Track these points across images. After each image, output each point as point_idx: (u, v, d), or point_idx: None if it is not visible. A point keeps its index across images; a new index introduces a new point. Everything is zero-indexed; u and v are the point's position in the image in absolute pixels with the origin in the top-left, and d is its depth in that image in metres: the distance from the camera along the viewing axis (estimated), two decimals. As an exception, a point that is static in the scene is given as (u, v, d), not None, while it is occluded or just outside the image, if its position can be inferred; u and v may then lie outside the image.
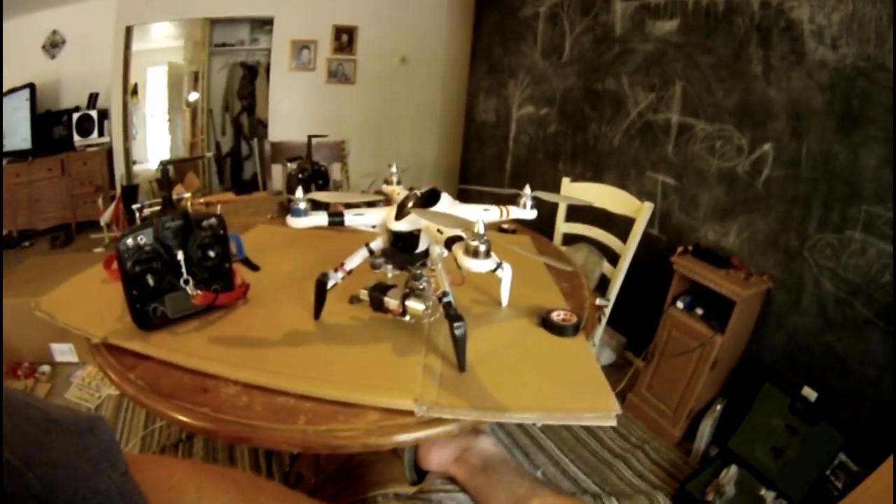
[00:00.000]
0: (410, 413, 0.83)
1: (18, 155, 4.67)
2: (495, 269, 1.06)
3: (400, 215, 0.97)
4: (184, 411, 0.84)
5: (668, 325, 2.48)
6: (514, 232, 1.81)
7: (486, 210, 0.99)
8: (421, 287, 0.99)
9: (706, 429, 2.36)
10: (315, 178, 1.88)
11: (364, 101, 4.89)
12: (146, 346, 0.97)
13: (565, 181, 2.39)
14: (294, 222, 0.98)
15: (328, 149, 3.10)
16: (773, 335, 2.35)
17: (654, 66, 2.81)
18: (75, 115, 4.93)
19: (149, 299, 0.99)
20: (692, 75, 2.60)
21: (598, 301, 2.05)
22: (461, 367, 0.92)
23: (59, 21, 4.82)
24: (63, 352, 2.84)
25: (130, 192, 4.80)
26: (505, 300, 1.16)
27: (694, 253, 2.48)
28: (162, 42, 6.11)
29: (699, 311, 2.37)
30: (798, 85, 2.15)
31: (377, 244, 1.04)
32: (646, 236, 2.14)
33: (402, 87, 4.94)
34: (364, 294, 1.03)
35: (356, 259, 1.08)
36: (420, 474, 1.00)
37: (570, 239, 2.38)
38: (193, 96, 6.28)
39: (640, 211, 2.08)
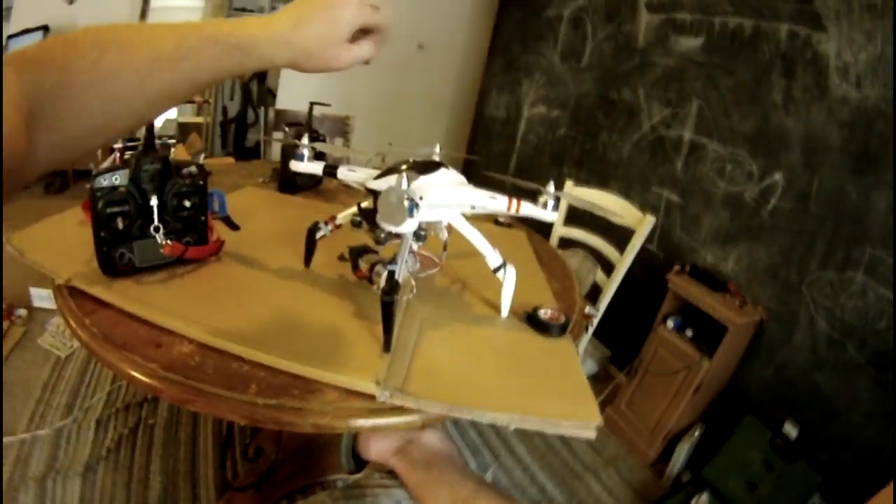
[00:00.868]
0: (371, 397, 0.76)
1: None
2: (497, 270, 1.02)
3: (381, 175, 0.92)
4: (132, 364, 0.77)
5: (656, 343, 2.43)
6: (510, 226, 1.75)
7: (492, 198, 0.93)
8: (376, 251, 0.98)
9: (682, 453, 2.31)
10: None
11: (376, 83, 4.82)
12: (107, 293, 0.91)
13: (569, 184, 2.34)
14: (295, 165, 1.06)
15: (332, 122, 3.05)
16: (760, 367, 2.30)
17: (673, 82, 2.76)
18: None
19: (117, 244, 0.93)
20: (710, 95, 2.55)
21: (588, 310, 1.99)
22: (386, 345, 0.85)
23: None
24: (42, 297, 2.80)
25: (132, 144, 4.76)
26: (505, 309, 1.06)
27: (691, 273, 2.43)
28: (182, 1, 6.07)
29: (689, 333, 2.33)
30: (817, 119, 2.11)
31: (368, 204, 0.99)
32: (642, 251, 2.09)
33: (416, 73, 4.87)
34: (347, 252, 1.02)
35: (346, 214, 1.07)
36: (360, 463, 0.96)
37: (566, 243, 2.32)
38: (206, 57, 6.23)
39: (641, 223, 2.03)
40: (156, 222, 0.95)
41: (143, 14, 4.96)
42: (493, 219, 1.75)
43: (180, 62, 0.57)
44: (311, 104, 1.88)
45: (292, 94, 4.78)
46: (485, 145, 4.57)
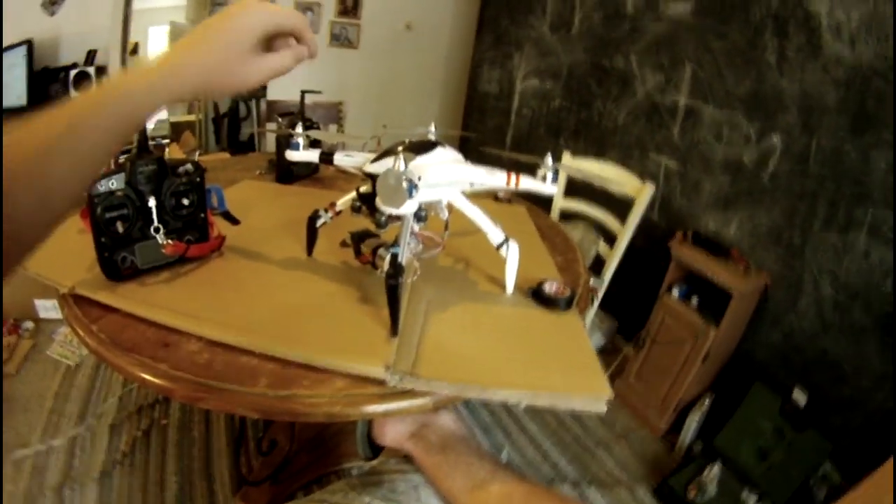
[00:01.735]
0: (382, 382, 0.76)
1: (14, 112, 4.58)
2: (500, 247, 1.01)
3: (377, 158, 0.91)
4: (142, 367, 0.77)
5: (662, 313, 2.42)
6: (509, 202, 1.74)
7: (490, 173, 0.92)
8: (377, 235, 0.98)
9: (692, 423, 2.31)
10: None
11: (366, 66, 4.80)
12: (112, 298, 0.90)
13: (566, 155, 2.32)
14: (291, 154, 1.08)
15: (325, 109, 3.03)
16: (767, 333, 2.29)
17: (665, 47, 2.73)
18: (72, 72, 4.86)
19: (118, 248, 0.93)
20: (703, 59, 2.52)
21: (592, 282, 1.98)
22: (393, 329, 0.84)
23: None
24: (47, 308, 2.79)
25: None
26: (510, 286, 1.05)
27: (693, 240, 2.42)
28: (164, 1, 6.03)
29: (694, 301, 2.32)
30: (812, 79, 2.08)
31: (366, 188, 0.98)
32: (644, 220, 2.07)
33: (406, 54, 4.84)
34: (349, 238, 1.01)
35: (346, 200, 1.06)
36: (375, 450, 0.95)
37: (567, 215, 2.31)
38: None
39: (641, 192, 2.01)
40: (155, 223, 0.95)
41: (126, 19, 4.92)
42: (493, 195, 1.74)
43: (77, 144, 0.57)
44: (303, 92, 1.87)
45: (283, 84, 4.74)
46: (480, 121, 4.54)
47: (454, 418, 0.92)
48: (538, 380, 0.80)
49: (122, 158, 1.58)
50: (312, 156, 1.04)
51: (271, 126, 3.01)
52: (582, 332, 0.96)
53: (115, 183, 0.89)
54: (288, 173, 1.75)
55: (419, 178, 0.82)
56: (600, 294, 2.10)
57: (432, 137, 1.05)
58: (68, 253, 1.03)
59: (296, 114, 1.86)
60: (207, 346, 0.81)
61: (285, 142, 1.19)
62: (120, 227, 0.91)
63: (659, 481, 2.15)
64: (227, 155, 4.60)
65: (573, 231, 2.12)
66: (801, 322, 2.16)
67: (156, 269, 1.00)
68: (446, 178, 0.91)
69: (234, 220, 1.18)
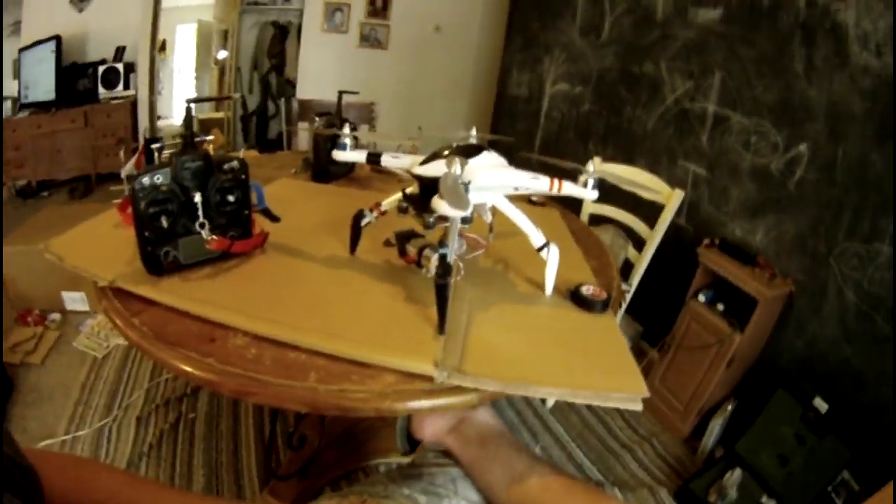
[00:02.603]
0: (429, 378, 0.78)
1: (42, 106, 4.67)
2: (541, 249, 1.04)
3: (426, 161, 0.93)
4: (188, 360, 0.80)
5: (688, 318, 2.43)
6: (543, 205, 1.77)
7: (534, 178, 0.94)
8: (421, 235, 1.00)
9: (715, 428, 2.32)
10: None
11: (395, 68, 4.83)
12: (154, 292, 0.93)
13: (596, 160, 2.32)
14: (338, 155, 1.07)
15: (357, 110, 3.06)
16: (791, 340, 2.29)
17: (694, 54, 2.74)
18: (101, 68, 4.92)
19: (161, 242, 0.95)
20: (732, 67, 2.53)
21: (621, 286, 2.01)
22: (441, 327, 0.87)
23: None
24: (74, 300, 2.85)
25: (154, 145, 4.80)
26: (549, 287, 1.07)
27: (720, 247, 2.42)
28: (193, 0, 6.09)
29: (720, 307, 2.33)
30: (839, 88, 2.08)
31: (412, 190, 1.01)
32: (672, 225, 2.10)
33: (435, 56, 4.87)
34: (393, 237, 1.04)
35: (391, 201, 1.08)
36: (413, 444, 0.97)
37: (596, 220, 2.33)
38: (222, 54, 6.24)
39: (670, 198, 2.03)
40: (201, 218, 0.97)
41: (156, 16, 4.98)
42: (527, 198, 1.76)
43: None
44: (340, 93, 1.90)
45: (312, 83, 4.80)
46: (509, 124, 4.55)
47: (491, 414, 0.94)
48: (578, 378, 0.82)
49: (166, 154, 1.63)
50: (360, 156, 1.04)
51: (304, 125, 3.05)
52: (618, 333, 1.00)
53: (160, 178, 0.91)
54: (324, 172, 1.78)
55: (469, 182, 0.86)
56: (628, 298, 2.12)
57: (474, 141, 1.08)
58: (106, 247, 1.07)
59: (333, 114, 1.89)
60: (255, 342, 0.84)
61: (330, 142, 1.19)
62: (164, 222, 0.92)
63: (680, 484, 2.17)
64: (255, 153, 4.65)
65: (603, 235, 2.14)
66: (825, 330, 2.15)
67: (197, 264, 1.02)
68: (494, 181, 0.93)
69: (273, 218, 1.19)
